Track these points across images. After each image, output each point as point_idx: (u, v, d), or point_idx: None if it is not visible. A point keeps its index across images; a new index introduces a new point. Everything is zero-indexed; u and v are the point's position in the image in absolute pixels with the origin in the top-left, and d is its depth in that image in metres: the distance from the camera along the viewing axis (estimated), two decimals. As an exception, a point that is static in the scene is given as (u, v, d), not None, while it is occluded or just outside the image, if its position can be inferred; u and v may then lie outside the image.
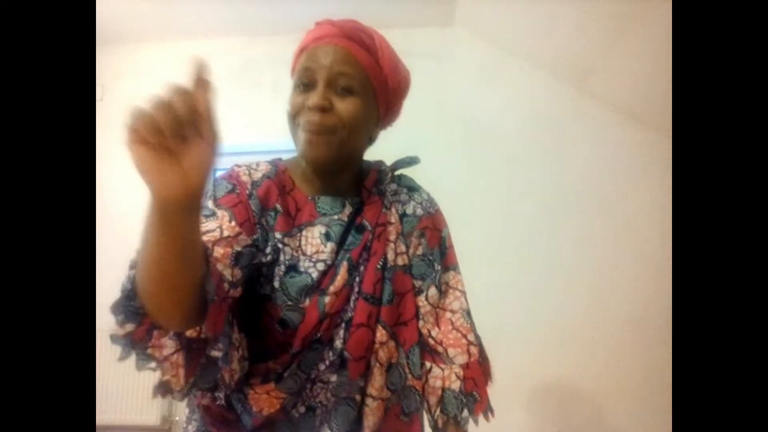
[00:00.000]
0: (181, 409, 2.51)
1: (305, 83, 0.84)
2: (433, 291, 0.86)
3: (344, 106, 0.82)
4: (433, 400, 0.82)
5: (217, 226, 0.76)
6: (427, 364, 0.83)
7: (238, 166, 0.89)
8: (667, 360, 2.19)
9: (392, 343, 0.82)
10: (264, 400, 0.80)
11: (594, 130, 2.55)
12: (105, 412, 2.41)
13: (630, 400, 2.32)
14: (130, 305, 0.64)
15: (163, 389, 0.69)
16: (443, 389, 0.81)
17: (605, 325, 2.40)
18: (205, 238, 0.73)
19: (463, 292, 0.89)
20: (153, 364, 0.67)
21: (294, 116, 0.85)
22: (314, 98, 0.81)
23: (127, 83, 2.81)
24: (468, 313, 0.88)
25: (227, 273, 0.71)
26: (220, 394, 0.78)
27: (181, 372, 0.68)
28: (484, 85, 2.64)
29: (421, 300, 0.86)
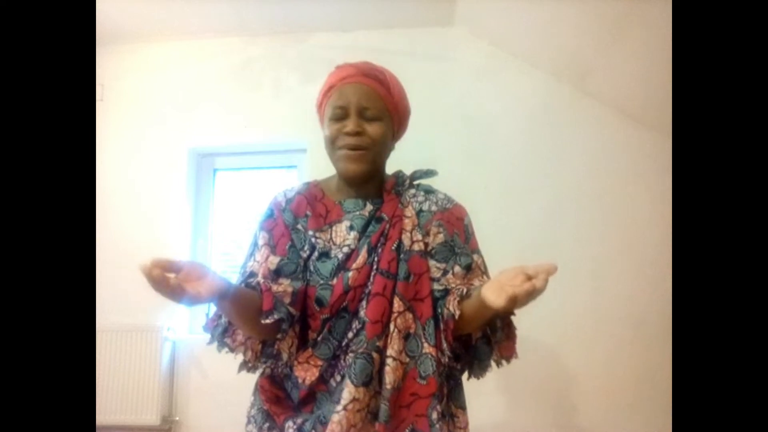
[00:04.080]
0: (181, 409, 2.51)
1: (339, 116, 1.06)
2: (458, 269, 1.02)
3: (373, 129, 1.05)
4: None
5: (260, 255, 1.05)
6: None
7: (280, 192, 1.15)
8: (667, 360, 2.19)
9: (409, 315, 0.99)
10: (305, 370, 0.98)
11: (594, 130, 2.55)
12: (105, 412, 2.40)
13: (630, 400, 2.32)
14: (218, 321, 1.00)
15: (243, 365, 1.03)
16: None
17: (605, 325, 2.40)
18: (254, 265, 1.05)
19: (484, 272, 1.05)
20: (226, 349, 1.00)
21: (333, 141, 1.06)
22: (350, 126, 1.04)
23: (127, 83, 2.80)
24: None
25: (269, 281, 0.99)
26: (278, 370, 1.02)
27: (249, 353, 1.00)
28: (484, 85, 2.63)
29: (449, 278, 1.01)
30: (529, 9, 2.33)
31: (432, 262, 1.02)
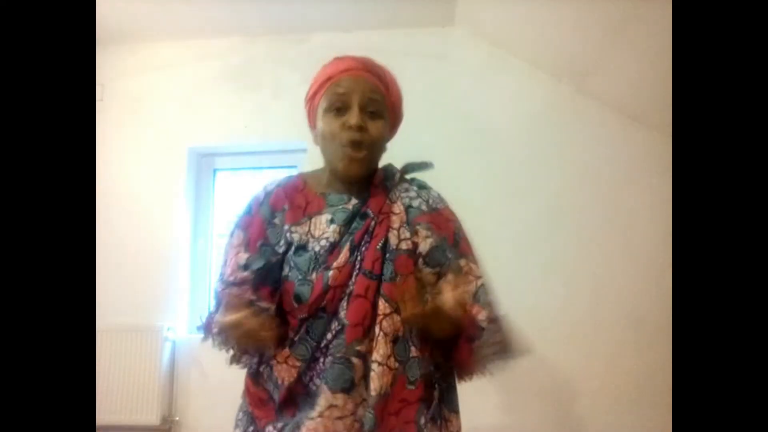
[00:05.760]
0: (181, 410, 2.51)
1: (339, 107, 1.00)
2: (449, 274, 0.96)
3: (374, 127, 1.00)
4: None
5: (232, 256, 1.04)
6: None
7: (261, 188, 1.12)
8: (667, 360, 2.19)
9: (397, 317, 0.93)
10: (284, 370, 0.96)
11: (594, 130, 2.55)
12: (105, 412, 2.40)
13: (630, 400, 2.32)
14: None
15: (233, 359, 1.03)
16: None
17: (605, 324, 2.40)
18: (226, 270, 1.04)
19: (476, 276, 0.99)
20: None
21: (333, 136, 1.00)
22: (354, 119, 0.98)
23: (127, 83, 2.80)
24: (473, 295, 0.97)
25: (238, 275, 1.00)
26: (260, 369, 1.00)
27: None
28: (484, 85, 2.63)
29: (441, 283, 0.95)
30: (530, 9, 2.33)
31: (426, 269, 0.98)
